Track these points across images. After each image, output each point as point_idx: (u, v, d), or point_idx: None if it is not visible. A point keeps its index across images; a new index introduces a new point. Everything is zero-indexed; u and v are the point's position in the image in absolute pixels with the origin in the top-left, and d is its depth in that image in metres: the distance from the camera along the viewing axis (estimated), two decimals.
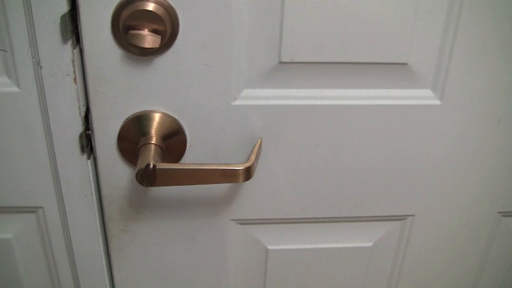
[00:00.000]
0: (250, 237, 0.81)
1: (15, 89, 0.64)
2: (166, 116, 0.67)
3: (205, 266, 0.82)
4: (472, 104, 0.72)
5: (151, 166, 0.61)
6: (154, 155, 0.65)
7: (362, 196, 0.78)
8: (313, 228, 0.82)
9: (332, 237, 0.83)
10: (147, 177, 0.62)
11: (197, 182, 0.65)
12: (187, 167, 0.64)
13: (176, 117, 0.68)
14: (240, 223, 0.79)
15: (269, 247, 0.82)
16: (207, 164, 0.65)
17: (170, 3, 0.60)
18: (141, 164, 0.62)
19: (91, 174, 0.71)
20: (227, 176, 0.65)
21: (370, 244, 0.84)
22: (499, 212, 0.83)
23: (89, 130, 0.68)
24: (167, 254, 0.80)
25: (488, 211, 0.83)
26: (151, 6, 0.59)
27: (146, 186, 0.63)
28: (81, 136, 0.68)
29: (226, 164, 0.65)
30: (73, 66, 0.63)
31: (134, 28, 0.59)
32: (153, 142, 0.67)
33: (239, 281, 0.86)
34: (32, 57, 0.62)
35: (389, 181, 0.77)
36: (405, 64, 0.68)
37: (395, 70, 0.68)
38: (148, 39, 0.58)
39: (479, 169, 0.78)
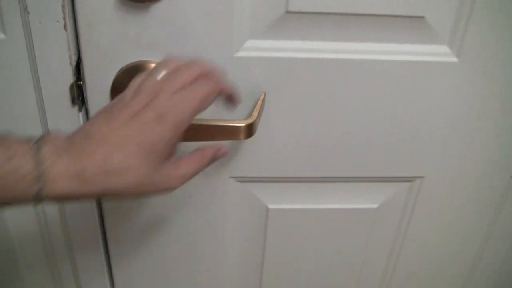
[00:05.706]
0: (250, 195, 0.79)
1: (0, 35, 0.60)
2: None
3: (204, 224, 0.80)
4: (491, 63, 0.67)
5: None
6: None
7: (369, 155, 0.75)
8: (316, 188, 0.79)
9: (335, 198, 0.80)
10: None
11: (195, 139, 0.61)
12: None
13: None
14: (240, 181, 0.77)
15: (270, 206, 0.80)
16: (206, 120, 0.61)
17: None
18: None
19: None
20: (228, 133, 0.61)
21: (375, 206, 0.82)
22: (511, 177, 0.81)
23: (80, 81, 0.65)
24: (165, 211, 0.78)
25: (500, 174, 0.80)
26: None
27: None
28: (71, 87, 0.64)
29: (226, 120, 0.61)
30: (63, 12, 0.58)
31: None
32: None
33: (238, 240, 0.84)
34: (19, 1, 0.57)
35: (399, 141, 0.74)
36: (422, 17, 0.63)
37: (410, 24, 0.64)
38: None
39: (494, 131, 0.74)
